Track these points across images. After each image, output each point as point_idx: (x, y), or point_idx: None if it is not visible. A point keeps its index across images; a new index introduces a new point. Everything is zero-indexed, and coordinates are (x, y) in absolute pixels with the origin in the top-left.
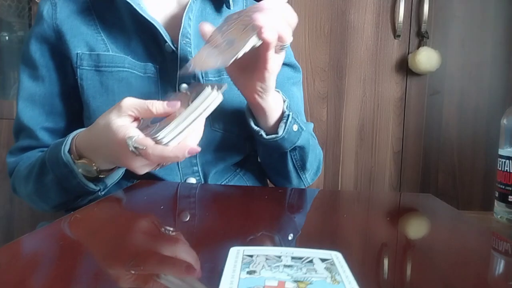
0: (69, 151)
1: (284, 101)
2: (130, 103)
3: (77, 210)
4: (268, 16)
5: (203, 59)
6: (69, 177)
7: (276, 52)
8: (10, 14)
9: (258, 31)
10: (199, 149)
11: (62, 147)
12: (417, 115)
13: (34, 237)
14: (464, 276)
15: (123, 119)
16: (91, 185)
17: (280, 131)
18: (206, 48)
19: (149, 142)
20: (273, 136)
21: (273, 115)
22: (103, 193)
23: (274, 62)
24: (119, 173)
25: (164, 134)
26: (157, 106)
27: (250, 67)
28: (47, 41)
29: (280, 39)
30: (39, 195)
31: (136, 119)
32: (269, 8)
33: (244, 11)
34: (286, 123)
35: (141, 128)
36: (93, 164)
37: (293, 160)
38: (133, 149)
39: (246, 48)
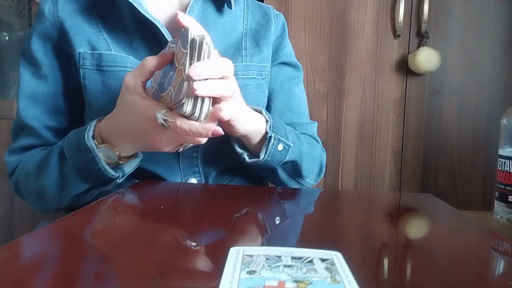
0: (92, 137)
1: (267, 121)
2: (131, 76)
3: (77, 210)
4: (203, 87)
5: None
6: (90, 163)
7: (226, 101)
8: (10, 14)
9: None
10: (222, 132)
11: (85, 133)
12: (417, 115)
13: (34, 237)
14: (464, 276)
15: (139, 93)
16: (111, 171)
17: (262, 155)
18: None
19: (177, 115)
20: (254, 160)
21: (256, 138)
22: (121, 180)
23: (230, 112)
24: (136, 161)
25: (190, 108)
26: (151, 61)
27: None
28: (50, 39)
29: (223, 97)
30: (52, 187)
31: (143, 84)
32: (202, 74)
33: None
34: (268, 145)
35: (155, 98)
36: (115, 149)
37: (287, 171)
38: (163, 122)
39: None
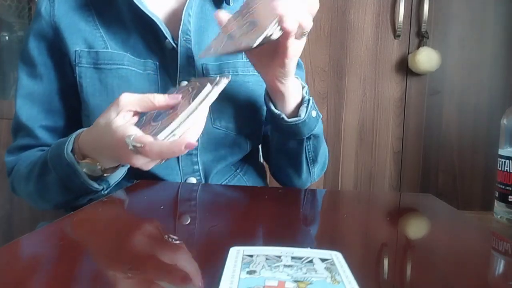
0: (72, 151)
1: (303, 87)
2: (128, 99)
3: (77, 210)
4: (288, 4)
5: (223, 43)
6: (72, 176)
7: (296, 38)
8: (10, 14)
9: (278, 20)
10: (196, 144)
11: (65, 147)
12: (417, 115)
13: (34, 237)
14: (464, 276)
15: (122, 117)
16: (95, 185)
17: (302, 114)
18: (222, 34)
19: (147, 139)
20: (296, 119)
21: (292, 100)
22: (106, 192)
23: (294, 48)
24: (122, 171)
25: (165, 135)
26: (159, 98)
27: (270, 53)
28: (45, 39)
29: (300, 27)
30: (40, 194)
31: (136, 113)
32: None
33: None
34: (307, 107)
35: (143, 125)
36: (97, 163)
37: (306, 150)
38: (132, 148)
39: (269, 31)
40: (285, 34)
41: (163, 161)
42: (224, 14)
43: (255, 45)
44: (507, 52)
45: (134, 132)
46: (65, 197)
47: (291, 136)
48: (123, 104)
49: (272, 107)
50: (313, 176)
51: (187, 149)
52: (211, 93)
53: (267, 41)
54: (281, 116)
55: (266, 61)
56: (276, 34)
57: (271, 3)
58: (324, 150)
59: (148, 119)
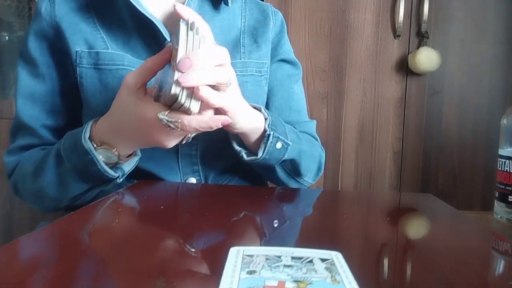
0: (89, 138)
1: (266, 119)
2: (133, 77)
3: (77, 210)
4: (193, 77)
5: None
6: (89, 164)
7: (223, 90)
8: (10, 14)
9: (194, 94)
10: (230, 120)
11: (82, 135)
12: (417, 115)
13: (34, 237)
14: (464, 276)
15: (139, 95)
16: (111, 172)
17: (260, 153)
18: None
19: (182, 115)
20: (252, 158)
21: (254, 135)
22: (121, 180)
23: (227, 102)
24: (135, 160)
25: (183, 100)
26: (151, 60)
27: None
28: (46, 39)
29: (219, 84)
30: (49, 189)
31: (143, 87)
32: (191, 65)
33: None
34: (266, 143)
35: (155, 97)
36: (114, 150)
37: (285, 169)
38: (168, 123)
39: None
40: (206, 101)
41: (185, 140)
42: (182, 9)
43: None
44: (507, 52)
45: (163, 109)
46: (79, 189)
47: (258, 167)
48: (131, 84)
49: (234, 144)
50: (305, 183)
51: (223, 124)
52: (195, 37)
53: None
54: (240, 154)
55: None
56: (195, 108)
57: (178, 77)
58: (312, 161)
59: (156, 91)
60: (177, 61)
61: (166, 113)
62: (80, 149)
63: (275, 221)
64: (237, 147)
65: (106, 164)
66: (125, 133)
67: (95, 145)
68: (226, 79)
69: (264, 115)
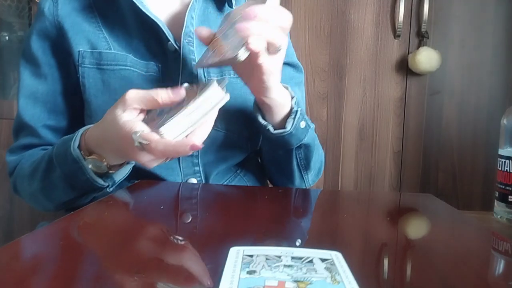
0: (78, 147)
1: (292, 97)
2: (135, 96)
3: (77, 210)
4: (253, 24)
5: (206, 56)
6: (78, 173)
7: (271, 54)
8: (10, 14)
9: (244, 42)
10: (201, 146)
11: (71, 143)
12: (417, 115)
13: (34, 237)
14: (464, 276)
15: (129, 114)
16: (100, 181)
17: (288, 126)
18: (209, 51)
19: (153, 136)
20: (281, 131)
21: (280, 112)
22: (111, 189)
23: (269, 65)
24: (128, 168)
25: (166, 129)
26: (162, 94)
27: (250, 69)
28: (49, 38)
29: (271, 44)
30: (44, 193)
31: (142, 111)
32: (255, 15)
33: (241, 10)
34: (294, 118)
35: (148, 120)
36: (103, 160)
37: (298, 158)
38: (138, 144)
39: (241, 57)
40: (253, 54)
41: (167, 160)
42: (205, 31)
43: (217, 63)
44: (507, 52)
45: (141, 129)
46: (70, 195)
47: (279, 146)
48: (129, 102)
49: (260, 118)
50: (307, 182)
51: (192, 150)
52: (216, 93)
53: (235, 61)
54: (267, 128)
55: (248, 76)
56: (242, 55)
57: (236, 25)
58: (318, 157)
59: (153, 114)
60: (185, 108)
61: (139, 132)
62: (70, 157)
63: (275, 221)
64: (263, 121)
65: (96, 173)
66: (110, 146)
67: (84, 154)
68: (282, 42)
69: (290, 93)
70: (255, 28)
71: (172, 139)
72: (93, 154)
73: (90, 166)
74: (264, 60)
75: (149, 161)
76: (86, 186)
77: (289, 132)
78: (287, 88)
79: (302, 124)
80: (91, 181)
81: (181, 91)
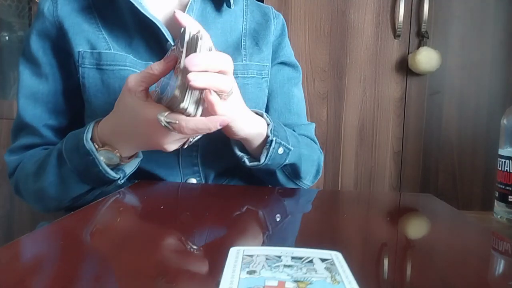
0: (91, 139)
1: (268, 125)
2: (134, 79)
3: (77, 210)
4: (199, 79)
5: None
6: (90, 165)
7: (224, 99)
8: (10, 14)
9: (202, 98)
10: (229, 120)
11: (84, 135)
12: (417, 115)
13: (34, 237)
14: (464, 276)
15: (140, 97)
16: (112, 173)
17: (262, 159)
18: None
19: (180, 116)
20: (255, 163)
21: (256, 141)
22: (122, 181)
23: (228, 111)
24: (137, 161)
25: (185, 104)
26: (157, 66)
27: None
28: (49, 38)
29: (220, 92)
30: (52, 189)
31: (148, 94)
32: (194, 65)
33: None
34: (268, 149)
35: (156, 101)
36: (116, 151)
37: (285, 173)
38: (166, 125)
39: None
40: (209, 106)
41: (187, 144)
42: (182, 16)
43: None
44: (507, 52)
45: (165, 110)
46: (80, 190)
47: (259, 171)
48: (133, 86)
49: (235, 150)
50: (303, 186)
51: (221, 125)
52: (193, 33)
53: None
54: (243, 160)
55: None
56: (197, 112)
57: (181, 79)
58: (311, 164)
59: (158, 94)
60: (181, 65)
61: (166, 114)
62: (82, 150)
63: (275, 221)
64: (239, 153)
65: (108, 165)
66: (126, 134)
67: (96, 146)
68: (229, 87)
69: (266, 120)
70: (205, 82)
71: (195, 111)
72: (105, 146)
73: (102, 158)
74: (221, 109)
75: (171, 143)
76: (97, 179)
77: (263, 164)
78: (262, 115)
79: (280, 151)
80: (103, 173)
81: (170, 54)
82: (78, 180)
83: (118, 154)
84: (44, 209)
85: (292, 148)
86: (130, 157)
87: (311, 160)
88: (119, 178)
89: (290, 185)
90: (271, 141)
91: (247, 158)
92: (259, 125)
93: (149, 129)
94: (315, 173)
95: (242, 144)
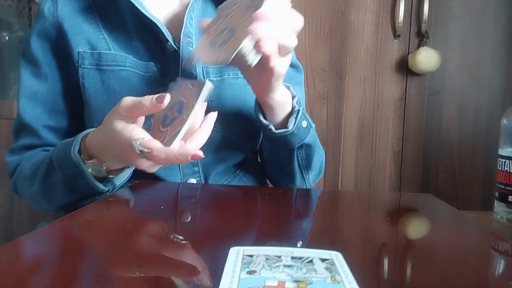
0: (78, 151)
1: (293, 97)
2: (125, 103)
3: (77, 210)
4: (266, 26)
5: (205, 51)
6: (78, 177)
7: (282, 56)
8: (10, 14)
9: (256, 44)
10: (202, 155)
11: (71, 148)
12: (417, 115)
13: (34, 237)
14: (464, 276)
15: (125, 120)
16: (100, 186)
17: (290, 126)
18: (205, 39)
19: (154, 145)
20: (283, 130)
21: (281, 111)
22: (111, 193)
23: (280, 67)
24: (127, 173)
25: (178, 144)
26: (146, 102)
27: (256, 68)
28: (49, 39)
29: (282, 47)
30: (44, 195)
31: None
32: (267, 17)
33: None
34: (296, 118)
35: (153, 129)
36: (103, 164)
37: (299, 158)
38: (139, 152)
39: (244, 50)
40: (265, 57)
41: (167, 164)
42: (207, 22)
43: (228, 63)
44: (507, 52)
45: (141, 136)
46: (70, 198)
47: (280, 146)
48: (119, 109)
49: (261, 118)
50: (308, 182)
51: (193, 159)
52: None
53: (243, 61)
54: (269, 127)
55: (253, 75)
56: (254, 58)
57: (249, 26)
58: (319, 157)
59: (157, 123)
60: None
61: (139, 140)
62: (70, 161)
63: (275, 221)
64: (265, 121)
65: (96, 177)
66: (109, 151)
67: (84, 159)
68: (293, 44)
69: (292, 93)
70: (268, 31)
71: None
72: (93, 158)
73: (90, 170)
74: (276, 63)
75: (149, 166)
76: (86, 190)
77: (291, 131)
78: (288, 88)
79: (304, 124)
80: (91, 185)
81: (166, 97)
82: (66, 189)
83: (105, 167)
84: (41, 210)
85: (313, 125)
86: (121, 169)
87: (319, 153)
88: (108, 190)
89: (297, 178)
90: (298, 110)
91: (273, 126)
92: (287, 94)
93: (126, 152)
94: (318, 170)
95: (265, 115)
